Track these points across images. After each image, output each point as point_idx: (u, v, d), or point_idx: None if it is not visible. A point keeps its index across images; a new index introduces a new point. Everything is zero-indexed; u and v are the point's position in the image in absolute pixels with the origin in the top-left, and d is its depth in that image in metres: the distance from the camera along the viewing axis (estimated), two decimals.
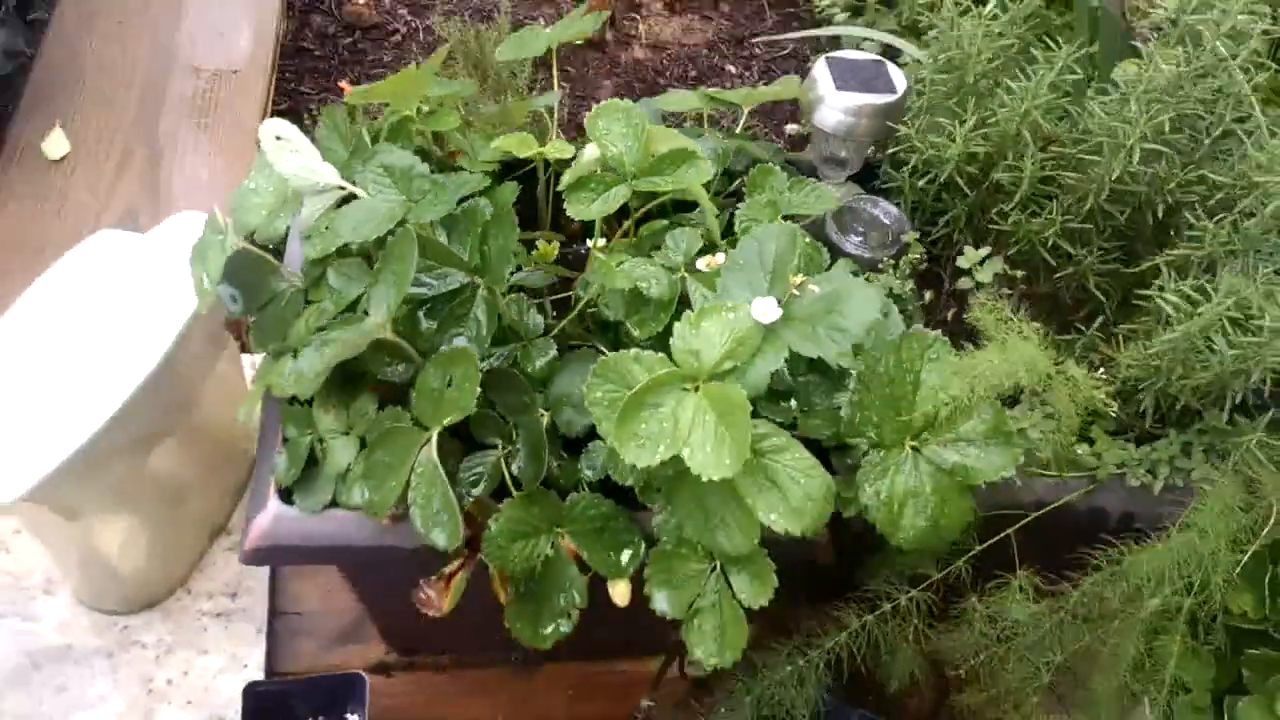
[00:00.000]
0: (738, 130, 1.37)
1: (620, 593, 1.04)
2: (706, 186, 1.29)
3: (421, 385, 0.95)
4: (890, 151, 1.35)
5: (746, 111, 1.36)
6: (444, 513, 0.92)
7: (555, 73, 1.38)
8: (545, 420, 1.03)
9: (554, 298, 1.19)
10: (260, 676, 1.41)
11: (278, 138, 1.07)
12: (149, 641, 1.42)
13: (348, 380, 1.03)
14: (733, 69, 2.59)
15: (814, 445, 1.08)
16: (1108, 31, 1.28)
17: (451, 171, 1.26)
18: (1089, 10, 1.31)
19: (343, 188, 1.09)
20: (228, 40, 2.21)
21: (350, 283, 1.02)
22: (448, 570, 1.01)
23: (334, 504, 1.05)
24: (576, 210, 1.06)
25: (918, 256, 1.29)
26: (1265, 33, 1.15)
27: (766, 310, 0.97)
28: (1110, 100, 1.17)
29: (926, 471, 1.02)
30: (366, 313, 0.97)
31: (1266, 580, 1.08)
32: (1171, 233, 1.25)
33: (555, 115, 1.36)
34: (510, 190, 1.23)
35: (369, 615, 1.38)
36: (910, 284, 1.28)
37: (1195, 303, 1.07)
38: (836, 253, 1.32)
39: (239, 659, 1.42)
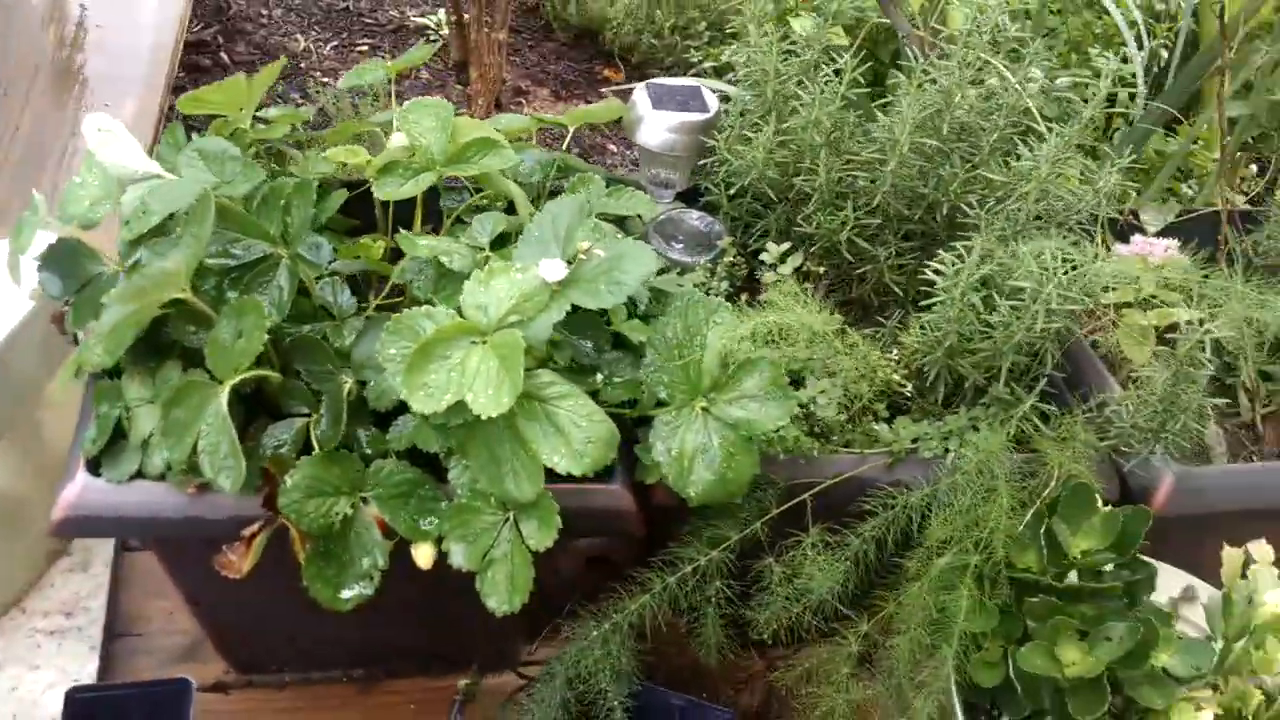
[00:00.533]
0: (564, 145, 1.46)
1: (423, 554, 1.06)
2: (534, 200, 1.38)
3: (213, 340, 0.99)
4: (702, 162, 1.45)
5: (571, 130, 1.45)
6: (230, 458, 0.95)
7: (394, 100, 1.46)
8: (348, 386, 1.07)
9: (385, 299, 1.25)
10: None
11: (99, 129, 1.13)
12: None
13: (155, 350, 1.07)
14: (614, 148, 2.71)
15: (619, 421, 1.14)
16: (893, 47, 1.40)
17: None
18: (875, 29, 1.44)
19: (161, 176, 1.14)
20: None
21: (160, 258, 1.07)
22: (247, 533, 1.03)
23: (141, 475, 1.07)
24: (384, 192, 1.12)
25: (732, 260, 1.38)
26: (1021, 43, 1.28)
27: (554, 270, 1.04)
28: (890, 110, 1.28)
29: (714, 428, 1.08)
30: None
31: (1044, 532, 1.14)
32: (959, 231, 1.35)
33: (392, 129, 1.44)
34: (338, 196, 1.30)
35: (204, 625, 1.38)
36: (725, 283, 1.36)
37: (956, 264, 1.16)
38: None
39: (69, 674, 1.40)
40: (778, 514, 1.16)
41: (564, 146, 1.44)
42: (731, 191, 1.40)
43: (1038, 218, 1.27)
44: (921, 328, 1.22)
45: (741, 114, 1.41)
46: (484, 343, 1.00)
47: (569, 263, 1.06)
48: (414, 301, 1.17)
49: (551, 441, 0.98)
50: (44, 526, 1.48)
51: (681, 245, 1.42)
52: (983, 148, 1.33)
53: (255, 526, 1.04)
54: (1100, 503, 1.18)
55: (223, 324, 0.99)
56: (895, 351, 1.27)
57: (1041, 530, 1.14)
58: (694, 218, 1.45)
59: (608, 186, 1.41)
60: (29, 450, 1.39)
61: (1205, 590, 1.35)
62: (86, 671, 1.40)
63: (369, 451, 1.09)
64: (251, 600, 1.27)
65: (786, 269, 1.32)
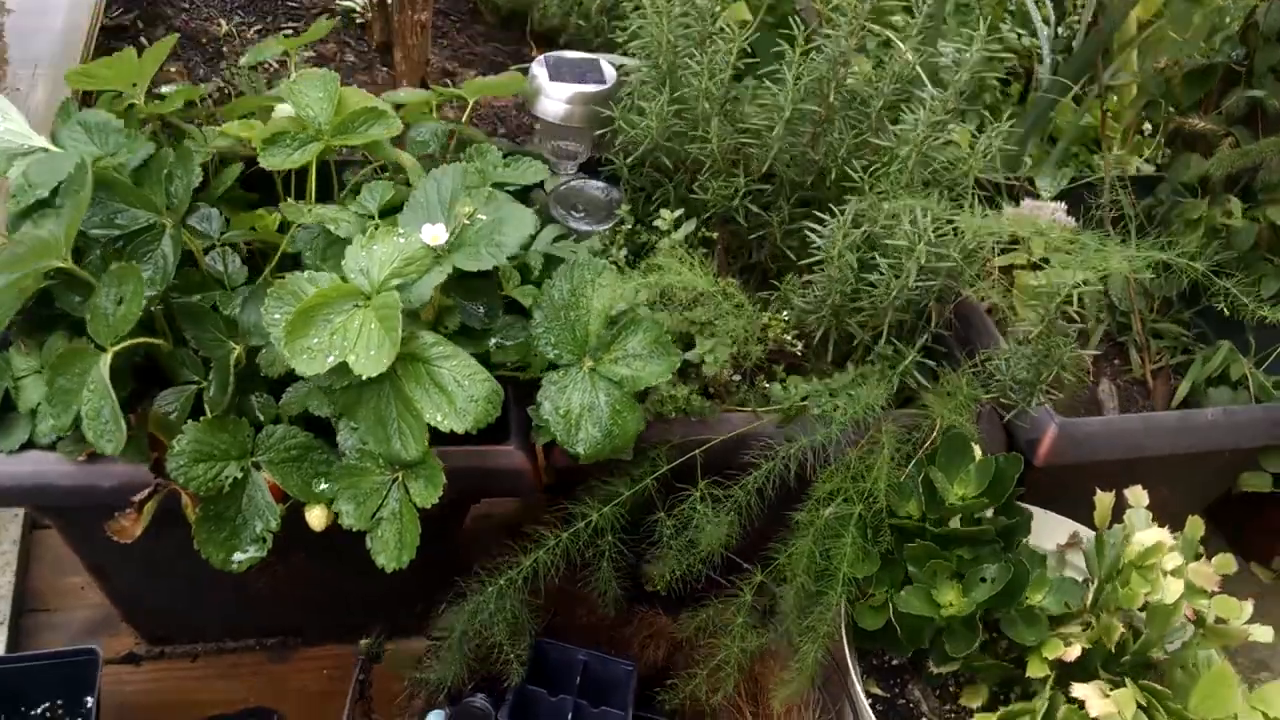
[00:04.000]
0: (465, 118, 1.47)
1: (316, 516, 1.08)
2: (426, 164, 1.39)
3: (94, 307, 1.00)
4: (599, 133, 1.47)
5: (471, 103, 1.47)
6: (111, 423, 0.96)
7: (294, 73, 1.47)
8: (236, 352, 1.09)
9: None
10: None
11: None
12: None
13: (41, 322, 1.08)
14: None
15: (514, 384, 1.17)
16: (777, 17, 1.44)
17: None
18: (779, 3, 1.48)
19: (47, 149, 1.15)
20: None
21: (37, 228, 1.07)
22: (138, 498, 1.05)
23: (32, 445, 1.08)
24: (270, 161, 1.14)
25: (630, 227, 1.40)
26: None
27: (436, 235, 1.06)
28: (777, 78, 1.31)
29: (601, 386, 1.11)
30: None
31: (922, 480, 1.18)
32: (847, 196, 1.39)
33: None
34: (234, 169, 1.31)
35: (111, 597, 1.39)
36: (624, 251, 1.39)
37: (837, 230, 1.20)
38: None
39: None
40: (669, 470, 1.19)
41: (465, 119, 1.45)
42: (630, 161, 1.43)
43: (925, 184, 1.30)
44: (805, 286, 1.26)
45: (640, 85, 1.43)
46: (366, 305, 1.02)
47: (452, 230, 1.08)
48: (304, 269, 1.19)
49: (435, 400, 1.01)
50: None
51: (583, 214, 1.44)
52: (870, 115, 1.37)
53: (145, 492, 1.06)
54: (978, 452, 1.23)
55: (102, 291, 1.00)
56: (786, 313, 1.31)
57: (921, 483, 1.18)
58: (595, 187, 1.48)
59: (506, 158, 1.43)
60: None
61: (1087, 535, 1.40)
62: None
63: (262, 418, 1.11)
64: (156, 569, 1.28)
65: (679, 235, 1.35)
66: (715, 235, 1.40)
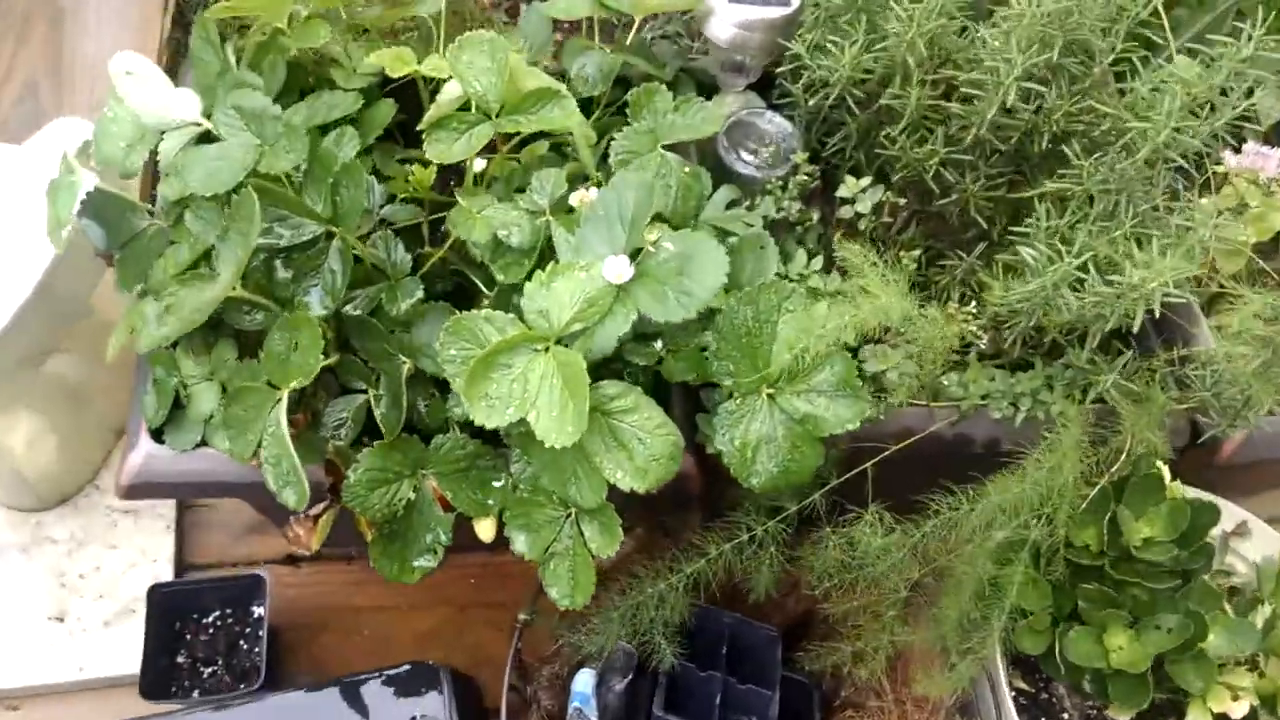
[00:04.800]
0: (629, 39, 1.32)
1: (485, 529, 1.08)
2: (594, 104, 1.27)
3: (269, 347, 0.96)
4: (781, 70, 1.31)
5: (639, 21, 1.31)
6: (293, 474, 0.94)
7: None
8: (407, 367, 1.05)
9: (433, 217, 1.19)
10: (169, 571, 1.47)
11: (127, 72, 1.04)
12: (61, 537, 1.47)
13: (209, 326, 1.04)
14: None
15: (682, 383, 1.11)
16: None
17: (327, 88, 1.23)
18: None
19: (199, 124, 1.06)
20: None
21: (207, 227, 1.01)
22: (313, 511, 1.05)
23: (204, 443, 1.07)
24: (437, 152, 1.04)
25: (806, 177, 1.28)
26: None
27: (619, 270, 0.98)
28: (996, 32, 1.14)
29: (779, 419, 1.05)
30: (216, 270, 0.97)
31: (1107, 518, 1.12)
32: (1059, 160, 1.24)
33: (442, 24, 1.31)
34: (385, 110, 1.21)
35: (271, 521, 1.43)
36: (798, 205, 1.28)
37: (1053, 260, 1.08)
38: (725, 173, 1.30)
39: (149, 554, 1.47)
40: (837, 484, 1.15)
41: (629, 40, 1.30)
42: (811, 103, 1.28)
43: (1148, 163, 1.15)
44: (1005, 293, 1.15)
45: (828, 18, 1.26)
46: (546, 350, 0.96)
47: (634, 256, 1.00)
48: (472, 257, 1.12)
49: (615, 456, 0.97)
50: (108, 407, 1.52)
51: (752, 155, 1.32)
52: (1093, 71, 1.19)
53: (321, 506, 1.06)
54: (1168, 476, 1.17)
55: (275, 335, 0.95)
56: (974, 304, 1.21)
57: (1105, 519, 1.13)
58: (766, 120, 1.34)
59: (674, 91, 1.30)
60: (88, 344, 1.39)
61: (1257, 526, 1.35)
62: (164, 551, 1.48)
63: (428, 421, 1.08)
64: None
65: (864, 205, 1.23)
66: (901, 201, 1.27)
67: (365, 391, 1.06)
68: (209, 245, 1.02)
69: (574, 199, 1.12)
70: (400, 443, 1.04)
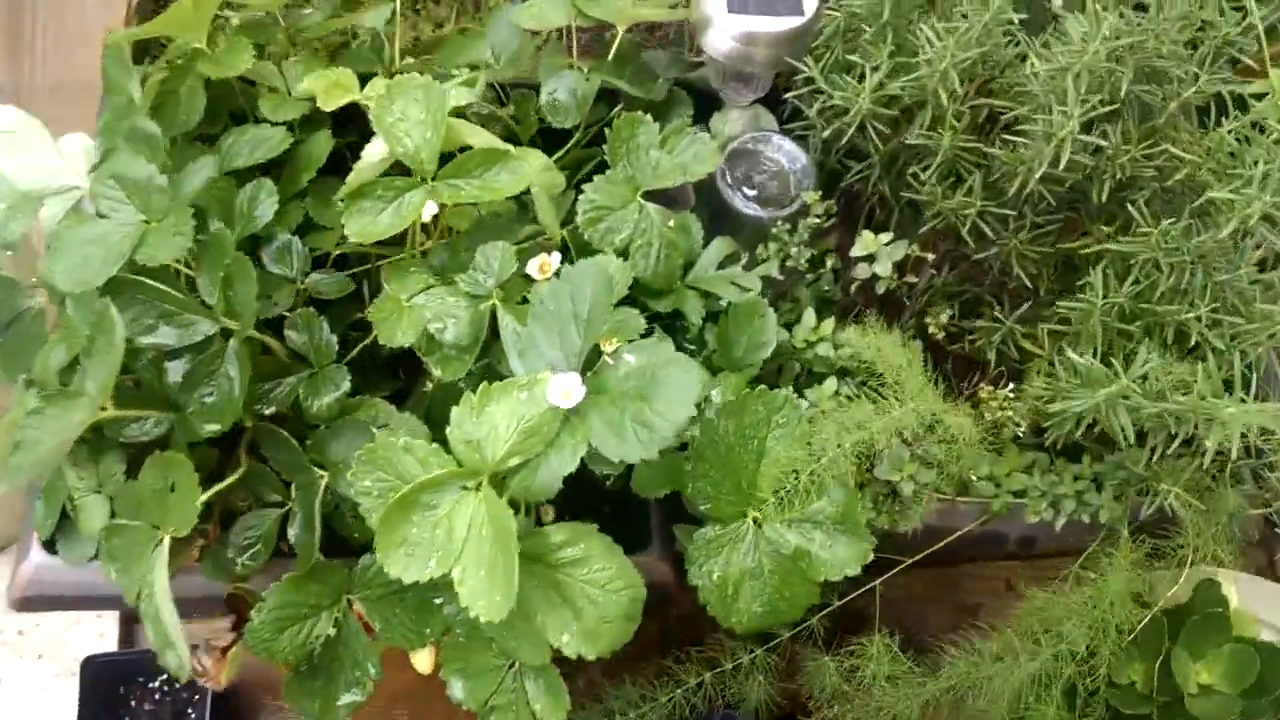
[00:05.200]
0: (613, 51, 1.11)
1: (422, 660, 0.93)
2: (564, 137, 1.08)
3: (142, 483, 0.80)
4: (791, 94, 1.10)
5: (622, 31, 1.10)
6: (173, 639, 0.79)
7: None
8: (323, 484, 0.89)
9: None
10: (114, 629, 1.35)
11: (3, 130, 0.87)
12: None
13: (94, 434, 0.88)
14: None
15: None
16: None
17: (253, 119, 1.05)
18: None
19: (79, 187, 0.89)
20: None
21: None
22: (221, 644, 0.90)
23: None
24: (359, 228, 0.86)
25: (818, 220, 1.08)
26: None
27: (567, 390, 0.80)
28: (1050, 69, 0.92)
29: (766, 550, 0.88)
30: (83, 387, 0.80)
31: (1160, 658, 0.95)
32: (1123, 205, 1.03)
33: (397, 38, 1.12)
34: (323, 144, 1.03)
35: None
36: (806, 255, 1.08)
37: (1107, 377, 0.88)
38: (723, 210, 1.11)
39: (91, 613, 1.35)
40: (839, 605, 0.98)
41: (611, 55, 1.10)
42: (827, 133, 1.07)
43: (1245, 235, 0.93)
44: (1049, 390, 0.96)
45: (848, 32, 1.04)
46: (477, 490, 0.79)
47: (587, 367, 0.82)
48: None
49: (559, 615, 0.80)
50: None
51: (755, 191, 1.12)
52: (1165, 103, 0.97)
53: (229, 638, 0.91)
54: (1233, 598, 0.98)
55: (149, 472, 0.79)
56: (1010, 388, 1.01)
57: (1158, 658, 0.95)
58: (774, 148, 1.13)
59: (666, 110, 1.10)
60: None
61: None
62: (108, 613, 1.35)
63: (356, 536, 0.93)
64: None
65: (884, 267, 1.03)
66: (929, 256, 1.07)
67: (280, 505, 0.91)
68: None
69: (532, 267, 0.94)
70: (319, 570, 0.88)
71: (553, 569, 0.80)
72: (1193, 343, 0.94)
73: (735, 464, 0.87)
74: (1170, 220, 0.93)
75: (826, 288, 1.11)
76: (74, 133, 0.95)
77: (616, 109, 1.10)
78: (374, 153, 0.87)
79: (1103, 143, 0.91)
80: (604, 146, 1.02)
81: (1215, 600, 0.95)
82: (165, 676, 1.29)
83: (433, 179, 0.88)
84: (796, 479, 0.85)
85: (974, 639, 1.02)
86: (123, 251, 0.81)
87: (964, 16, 0.96)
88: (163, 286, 0.82)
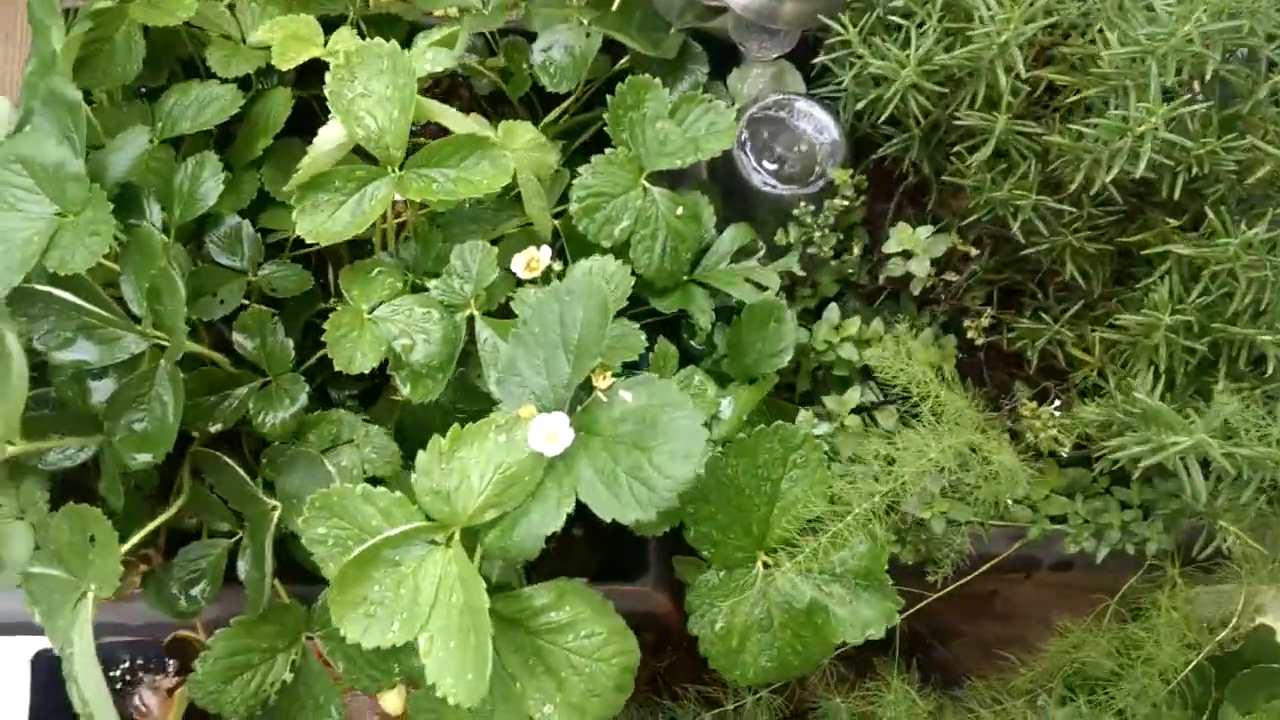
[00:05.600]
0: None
1: (392, 701, 0.84)
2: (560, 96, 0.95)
3: (59, 532, 0.70)
4: (821, 57, 0.96)
5: None
6: (95, 711, 0.69)
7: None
8: (275, 516, 0.78)
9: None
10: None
11: None
12: None
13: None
14: None
15: None
16: None
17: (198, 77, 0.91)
18: None
19: None
20: None
21: None
22: (166, 685, 0.81)
23: None
24: (313, 229, 0.74)
25: (845, 202, 0.95)
26: None
27: (554, 432, 0.68)
28: (1129, 51, 0.78)
29: (776, 600, 0.78)
30: None
31: (1207, 710, 0.86)
32: (1193, 199, 0.90)
33: None
34: (281, 103, 0.90)
35: None
36: (831, 241, 0.95)
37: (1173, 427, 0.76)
38: (740, 186, 0.98)
39: None
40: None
41: (614, 4, 0.95)
42: (863, 104, 0.93)
43: None
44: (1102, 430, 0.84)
45: None
46: (447, 546, 0.68)
47: (575, 402, 0.70)
48: None
49: (540, 685, 0.71)
50: None
51: (775, 165, 0.99)
52: (1259, 80, 0.83)
53: (174, 680, 0.82)
54: None
55: (64, 524, 0.68)
56: (1057, 406, 0.90)
57: (1204, 713, 0.86)
58: (802, 112, 0.99)
59: (677, 69, 0.96)
60: None
61: None
62: None
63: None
64: None
65: (921, 267, 0.90)
66: (972, 252, 0.94)
67: (228, 533, 0.80)
68: None
69: (517, 263, 0.82)
70: (273, 610, 0.78)
71: (534, 635, 0.70)
72: (1270, 369, 0.83)
73: (745, 507, 0.77)
74: (1252, 227, 0.80)
75: (851, 271, 0.99)
76: None
77: (621, 61, 0.96)
78: (329, 137, 0.74)
79: (1187, 142, 0.78)
80: (604, 113, 0.89)
81: (1268, 651, 0.86)
82: (126, 666, 1.21)
83: (400, 168, 0.75)
84: (815, 534, 0.74)
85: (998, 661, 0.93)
86: (28, 256, 0.69)
87: None
88: (78, 300, 0.70)
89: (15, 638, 0.97)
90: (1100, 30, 0.82)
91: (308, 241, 0.74)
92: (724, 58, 1.05)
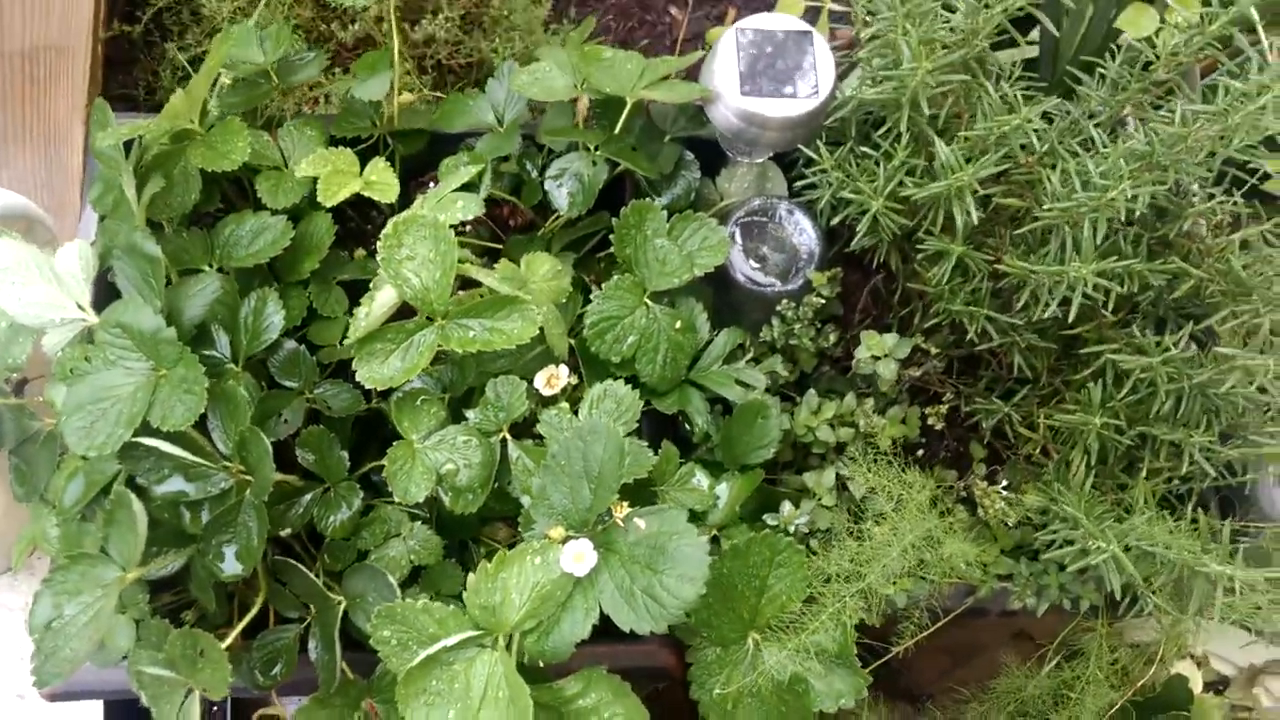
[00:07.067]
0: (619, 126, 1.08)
1: None
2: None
3: (173, 647, 0.83)
4: (801, 183, 1.08)
5: (630, 105, 1.06)
6: None
7: (395, 31, 1.07)
8: (340, 610, 0.92)
9: None
10: None
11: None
12: (17, 605, 1.40)
13: None
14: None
15: None
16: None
17: (250, 208, 1.03)
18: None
19: (84, 318, 0.88)
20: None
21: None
22: None
23: None
24: (369, 375, 0.86)
25: (822, 299, 1.08)
26: None
27: (580, 554, 0.82)
28: (1063, 207, 0.90)
29: (765, 674, 0.93)
30: (109, 553, 0.82)
31: None
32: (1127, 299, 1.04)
33: (394, 95, 1.08)
34: (323, 226, 1.02)
35: None
36: (810, 333, 1.09)
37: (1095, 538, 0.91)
38: (726, 280, 1.10)
39: None
40: None
41: (618, 126, 1.06)
42: (835, 210, 1.06)
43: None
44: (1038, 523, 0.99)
45: (861, 125, 1.02)
46: (495, 648, 0.83)
47: (597, 524, 0.84)
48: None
49: None
50: None
51: (760, 263, 1.11)
52: (1181, 214, 0.97)
53: None
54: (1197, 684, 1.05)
55: (175, 641, 0.82)
56: (1005, 487, 1.05)
57: None
58: (787, 217, 1.12)
59: (672, 177, 1.08)
60: None
61: None
62: None
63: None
64: None
65: (887, 369, 1.04)
66: (932, 350, 1.08)
67: (298, 620, 0.94)
68: (109, 478, 0.87)
69: (539, 380, 0.95)
70: (340, 685, 0.93)
71: (566, 718, 0.85)
72: (1185, 467, 0.97)
73: (737, 598, 0.91)
74: (1174, 337, 0.94)
75: (826, 344, 1.12)
76: (69, 244, 0.92)
77: (620, 166, 1.07)
78: (383, 301, 0.86)
79: (1115, 287, 0.91)
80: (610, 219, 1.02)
81: (1180, 699, 1.01)
82: None
83: (443, 318, 0.87)
84: (799, 618, 0.89)
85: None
86: (134, 414, 0.82)
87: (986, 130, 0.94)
88: (177, 451, 0.82)
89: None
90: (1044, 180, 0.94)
91: (366, 385, 0.86)
92: (713, 157, 1.17)
